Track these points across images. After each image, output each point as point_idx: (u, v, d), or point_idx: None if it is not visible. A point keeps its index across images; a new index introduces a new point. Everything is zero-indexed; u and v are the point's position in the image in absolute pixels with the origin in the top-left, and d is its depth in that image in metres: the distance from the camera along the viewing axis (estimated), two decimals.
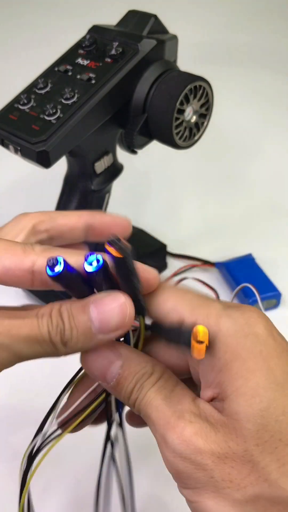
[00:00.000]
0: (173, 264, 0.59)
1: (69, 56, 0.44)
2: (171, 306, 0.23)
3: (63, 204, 0.48)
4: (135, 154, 0.48)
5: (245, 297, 0.52)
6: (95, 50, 0.43)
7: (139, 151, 0.47)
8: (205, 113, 0.45)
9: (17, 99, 0.42)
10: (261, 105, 0.89)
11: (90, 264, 0.21)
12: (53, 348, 0.22)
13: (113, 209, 0.54)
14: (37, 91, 0.42)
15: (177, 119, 0.42)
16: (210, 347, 0.21)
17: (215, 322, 0.22)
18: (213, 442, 0.21)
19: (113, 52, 0.42)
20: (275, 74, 0.97)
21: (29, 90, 0.43)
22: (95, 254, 0.21)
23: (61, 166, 0.45)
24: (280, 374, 0.21)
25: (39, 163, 0.40)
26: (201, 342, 0.21)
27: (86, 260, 0.21)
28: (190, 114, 0.44)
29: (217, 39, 1.09)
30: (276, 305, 0.53)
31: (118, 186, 0.51)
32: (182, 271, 0.57)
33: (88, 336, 0.22)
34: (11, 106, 0.42)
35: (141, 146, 0.46)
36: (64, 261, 0.21)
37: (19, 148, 0.40)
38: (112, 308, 0.22)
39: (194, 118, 0.44)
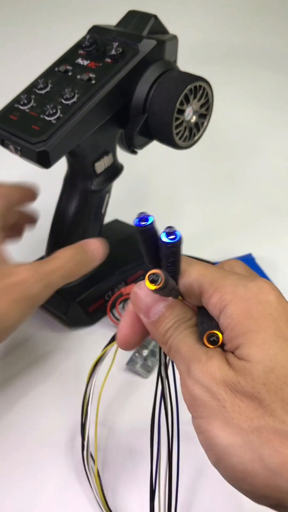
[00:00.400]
0: None
1: (69, 56, 0.44)
2: (194, 278, 0.27)
3: (63, 204, 0.48)
4: (135, 154, 0.48)
5: None
6: (95, 50, 0.43)
7: (139, 151, 0.47)
8: (205, 113, 0.45)
9: (17, 99, 0.42)
10: (261, 105, 0.89)
11: (167, 236, 0.25)
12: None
13: (113, 209, 0.54)
14: (37, 91, 0.42)
15: (177, 119, 0.42)
16: (224, 311, 0.25)
17: (231, 290, 0.25)
18: (227, 376, 0.23)
19: (113, 52, 0.42)
20: (275, 74, 0.98)
21: (29, 90, 0.43)
22: (176, 232, 0.25)
23: (61, 166, 0.45)
24: (287, 331, 0.24)
25: (39, 163, 0.40)
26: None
27: (166, 233, 0.25)
28: (190, 114, 0.44)
29: (217, 39, 1.09)
30: None
31: (118, 186, 0.51)
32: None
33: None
34: (11, 106, 0.42)
35: (141, 146, 0.46)
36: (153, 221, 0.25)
37: (19, 148, 0.40)
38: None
39: (194, 118, 0.44)
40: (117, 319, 0.51)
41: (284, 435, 0.22)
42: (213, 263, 0.57)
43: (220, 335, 0.25)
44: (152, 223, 0.24)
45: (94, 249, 0.42)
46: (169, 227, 0.25)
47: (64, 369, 0.48)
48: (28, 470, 0.40)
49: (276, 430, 0.22)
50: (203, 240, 0.62)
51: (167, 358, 0.30)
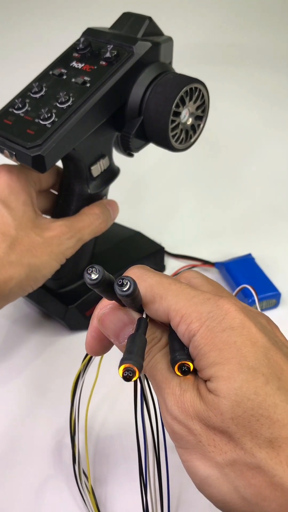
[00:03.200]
0: (173, 265, 0.59)
1: (63, 60, 0.44)
2: (158, 306, 0.26)
3: (59, 208, 0.48)
4: (131, 157, 0.48)
5: (245, 297, 0.51)
6: (90, 53, 0.43)
7: (136, 154, 0.47)
8: (201, 115, 0.45)
9: (11, 104, 0.42)
10: (257, 106, 0.89)
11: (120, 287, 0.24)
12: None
13: None
14: (31, 95, 0.42)
15: (173, 121, 0.42)
16: (192, 342, 0.25)
17: (197, 319, 0.25)
18: (199, 411, 0.24)
19: (107, 55, 0.42)
20: (271, 74, 0.97)
21: (23, 94, 0.43)
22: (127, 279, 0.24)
23: None
24: (252, 360, 0.24)
25: (34, 167, 0.39)
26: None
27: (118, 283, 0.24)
28: (186, 117, 0.43)
29: (211, 40, 1.09)
30: (275, 305, 0.53)
31: (115, 189, 0.51)
32: (181, 271, 0.57)
33: None
34: (5, 111, 0.42)
35: (138, 149, 0.46)
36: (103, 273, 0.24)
37: (14, 153, 0.40)
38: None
39: (190, 120, 0.44)
40: None
41: (254, 468, 0.23)
42: (213, 264, 0.57)
43: (191, 365, 0.25)
44: (102, 276, 0.23)
45: (115, 208, 0.49)
46: (121, 278, 0.24)
47: (64, 370, 0.48)
48: (16, 484, 0.39)
49: (247, 463, 0.23)
50: (203, 241, 0.62)
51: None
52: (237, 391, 0.23)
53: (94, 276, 0.23)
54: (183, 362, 0.25)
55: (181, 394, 0.25)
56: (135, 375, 0.23)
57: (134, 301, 0.25)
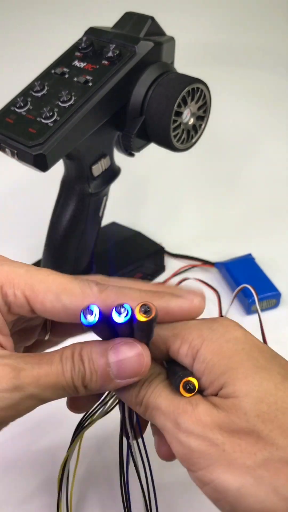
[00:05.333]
0: (173, 265, 0.59)
1: (65, 59, 0.44)
2: (155, 336, 0.25)
3: (60, 207, 0.48)
4: (132, 156, 0.48)
5: (245, 297, 0.52)
6: (92, 53, 0.43)
7: (137, 154, 0.47)
8: (202, 115, 0.45)
9: (13, 102, 0.42)
10: (258, 106, 0.89)
11: (119, 313, 0.23)
12: (74, 390, 0.25)
13: (111, 212, 0.54)
14: (33, 94, 0.42)
15: (174, 121, 0.42)
16: (197, 358, 0.25)
17: (198, 335, 0.25)
18: (218, 418, 0.23)
19: (110, 54, 0.42)
20: (272, 74, 0.97)
21: (25, 93, 0.43)
22: (125, 306, 0.23)
23: (58, 169, 0.45)
24: (264, 362, 0.24)
25: (36, 166, 0.39)
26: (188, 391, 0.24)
27: (116, 310, 0.23)
28: (187, 117, 0.43)
29: (214, 40, 1.09)
30: (275, 305, 0.53)
31: (115, 189, 0.51)
32: (182, 271, 0.57)
33: (107, 380, 0.25)
34: (7, 109, 0.42)
35: (139, 148, 0.46)
36: (100, 313, 0.23)
37: (15, 152, 0.40)
38: (129, 357, 0.24)
39: (191, 121, 0.44)
40: None
41: None
42: (213, 264, 0.57)
43: (195, 382, 0.24)
44: (100, 317, 0.23)
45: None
46: (120, 306, 0.23)
47: None
48: None
49: (281, 459, 0.22)
50: (203, 241, 0.62)
51: (134, 416, 0.28)
52: (258, 387, 0.23)
53: (90, 319, 0.22)
54: (187, 379, 0.24)
55: (193, 409, 0.23)
56: (153, 312, 0.22)
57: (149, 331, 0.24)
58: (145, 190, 0.72)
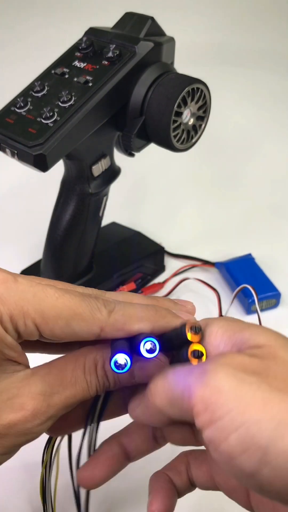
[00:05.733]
0: (173, 264, 0.59)
1: (65, 59, 0.44)
2: (216, 344, 0.24)
3: (60, 207, 0.48)
4: (132, 156, 0.48)
5: (245, 297, 0.52)
6: (92, 53, 0.43)
7: (137, 154, 0.47)
8: (202, 115, 0.45)
9: (13, 102, 0.42)
10: (258, 106, 0.89)
11: (146, 349, 0.24)
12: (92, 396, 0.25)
13: (111, 212, 0.54)
14: (33, 94, 0.42)
15: (174, 121, 0.42)
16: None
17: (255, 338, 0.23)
18: (250, 363, 0.21)
19: (110, 54, 0.42)
20: (272, 74, 0.97)
21: (25, 93, 0.43)
22: (151, 340, 0.24)
23: (58, 169, 0.45)
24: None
25: (36, 166, 0.39)
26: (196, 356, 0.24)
27: (141, 344, 0.24)
28: (187, 117, 0.43)
29: (213, 40, 1.09)
30: (275, 305, 0.53)
31: (116, 189, 0.51)
32: (182, 271, 0.57)
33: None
34: (7, 109, 0.42)
35: (139, 149, 0.46)
36: (131, 360, 0.23)
37: (16, 152, 0.40)
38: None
39: (191, 121, 0.44)
40: None
41: None
42: (213, 264, 0.57)
43: (203, 349, 0.24)
44: (130, 364, 0.23)
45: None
46: (149, 340, 0.24)
47: None
48: None
49: None
50: (203, 241, 0.62)
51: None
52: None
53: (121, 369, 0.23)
54: (193, 347, 0.24)
55: (221, 356, 0.22)
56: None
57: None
58: (145, 190, 0.72)
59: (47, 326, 0.23)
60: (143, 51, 0.42)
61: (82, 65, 0.43)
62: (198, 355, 0.24)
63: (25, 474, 0.39)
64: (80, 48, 0.43)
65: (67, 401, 0.24)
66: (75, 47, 0.44)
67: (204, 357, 0.24)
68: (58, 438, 0.29)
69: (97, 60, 0.42)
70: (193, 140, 0.46)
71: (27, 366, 0.25)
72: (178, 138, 0.44)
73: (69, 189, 0.47)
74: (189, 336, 0.24)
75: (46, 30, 1.12)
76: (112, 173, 0.48)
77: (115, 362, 0.23)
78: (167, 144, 0.44)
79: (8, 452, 0.24)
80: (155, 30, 0.44)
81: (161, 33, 0.45)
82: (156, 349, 0.24)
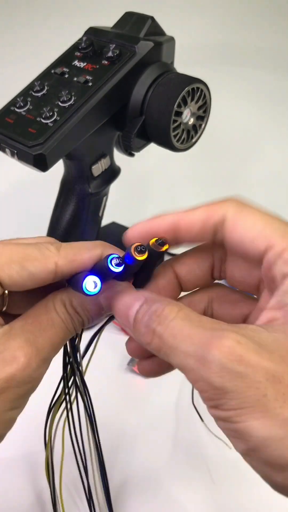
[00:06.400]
0: None
1: (65, 59, 0.44)
2: (257, 232, 0.23)
3: (60, 207, 0.48)
4: (132, 156, 0.48)
5: None
6: (92, 52, 0.43)
7: (137, 154, 0.47)
8: (202, 115, 0.45)
9: (13, 102, 0.42)
10: (258, 105, 0.89)
11: (114, 265, 0.23)
12: (74, 334, 0.26)
13: (111, 212, 0.54)
14: (33, 93, 0.42)
15: (174, 121, 0.42)
16: None
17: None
18: (268, 360, 0.19)
19: (110, 54, 0.42)
20: (272, 74, 0.97)
21: (25, 93, 0.43)
22: (116, 256, 0.23)
23: (58, 169, 0.45)
24: None
25: (36, 166, 0.39)
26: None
27: (110, 262, 0.23)
28: (187, 117, 0.43)
29: (213, 40, 1.09)
30: None
31: (115, 189, 0.51)
32: None
33: (102, 317, 0.26)
34: (7, 109, 0.42)
35: (139, 148, 0.46)
36: (101, 282, 0.23)
37: (15, 152, 0.40)
38: (124, 303, 0.24)
39: (191, 120, 0.44)
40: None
41: None
42: None
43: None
44: (101, 285, 0.23)
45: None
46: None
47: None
48: None
49: None
50: None
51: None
52: None
53: (91, 288, 0.23)
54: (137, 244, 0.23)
55: (232, 343, 0.20)
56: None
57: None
58: (145, 190, 0.71)
59: (5, 273, 0.24)
60: (143, 50, 0.42)
61: (82, 64, 0.43)
62: (141, 249, 0.23)
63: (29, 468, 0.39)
64: (80, 47, 0.43)
65: (53, 342, 0.25)
66: (75, 47, 0.44)
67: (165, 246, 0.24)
68: (57, 416, 0.30)
69: (97, 60, 0.42)
70: (193, 140, 0.46)
71: (2, 324, 0.26)
72: (178, 138, 0.43)
73: (69, 189, 0.47)
74: (136, 256, 0.23)
75: (46, 29, 1.12)
76: (112, 173, 0.48)
77: (86, 285, 0.23)
78: (167, 144, 0.43)
79: (17, 405, 0.25)
80: (155, 30, 0.44)
81: (161, 32, 0.45)
82: (121, 264, 0.23)
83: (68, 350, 0.28)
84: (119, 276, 0.24)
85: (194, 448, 0.42)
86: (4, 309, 0.28)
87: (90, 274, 0.23)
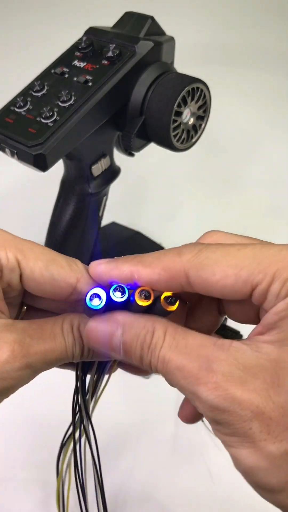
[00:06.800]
0: None
1: (65, 58, 0.44)
2: (233, 278, 0.22)
3: (60, 207, 0.48)
4: (132, 156, 0.48)
5: None
6: (92, 52, 0.43)
7: (137, 154, 0.47)
8: (202, 115, 0.45)
9: (13, 102, 0.42)
10: (258, 106, 0.89)
11: (118, 293, 0.23)
12: (71, 360, 0.25)
13: (111, 212, 0.54)
14: (33, 93, 0.42)
15: (174, 121, 0.42)
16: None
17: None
18: (252, 391, 0.20)
19: (110, 54, 0.41)
20: (272, 74, 0.97)
21: (25, 93, 0.42)
22: (123, 287, 0.23)
23: (58, 169, 0.45)
24: None
25: (36, 166, 0.39)
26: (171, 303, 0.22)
27: (114, 290, 0.23)
28: (187, 116, 0.43)
29: (213, 40, 1.09)
30: None
31: (115, 189, 0.51)
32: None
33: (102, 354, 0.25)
34: (7, 109, 0.42)
35: (139, 148, 0.46)
36: (107, 296, 0.23)
37: (15, 152, 0.40)
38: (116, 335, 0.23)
39: (191, 120, 0.44)
40: None
41: None
42: None
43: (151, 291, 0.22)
44: (107, 301, 0.23)
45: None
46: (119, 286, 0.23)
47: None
48: None
49: None
50: None
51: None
52: None
53: (96, 303, 0.23)
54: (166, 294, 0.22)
55: (217, 379, 0.20)
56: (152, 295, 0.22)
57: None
58: (145, 190, 0.71)
59: (28, 264, 0.24)
60: (143, 50, 0.42)
61: (82, 64, 0.43)
62: (171, 301, 0.22)
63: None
64: (80, 47, 0.43)
65: (47, 355, 0.24)
66: (75, 47, 0.44)
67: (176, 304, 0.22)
68: (69, 451, 0.30)
69: (97, 60, 0.42)
70: (193, 140, 0.46)
71: (8, 317, 0.25)
72: (178, 138, 0.43)
73: (68, 189, 0.47)
74: (166, 307, 0.22)
75: (46, 29, 1.12)
76: (112, 173, 0.48)
77: (91, 296, 0.23)
78: (167, 143, 0.43)
79: None
80: (155, 30, 0.44)
81: (161, 32, 0.45)
82: (125, 295, 0.22)
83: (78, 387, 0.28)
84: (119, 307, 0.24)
85: (194, 448, 0.42)
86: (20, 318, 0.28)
87: (96, 287, 0.23)
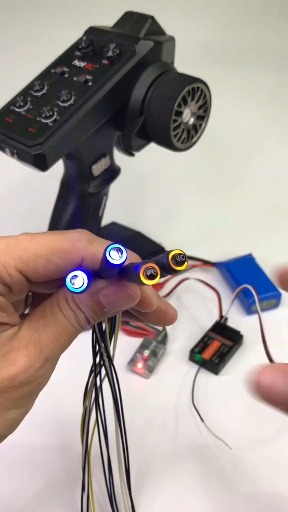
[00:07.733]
0: None
1: (65, 58, 0.44)
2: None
3: (60, 207, 0.48)
4: (132, 156, 0.47)
5: (245, 297, 0.51)
6: (92, 52, 0.43)
7: (137, 153, 0.47)
8: (203, 115, 0.45)
9: (13, 102, 0.42)
10: (259, 105, 0.89)
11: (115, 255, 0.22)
12: (81, 331, 0.25)
13: (111, 212, 0.54)
14: (33, 93, 0.42)
15: (175, 121, 0.42)
16: None
17: None
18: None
19: (110, 53, 0.41)
20: (272, 74, 0.97)
21: (25, 93, 0.43)
22: (118, 248, 0.21)
23: (58, 169, 0.45)
24: None
25: (35, 166, 0.39)
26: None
27: (109, 254, 0.21)
28: (188, 116, 0.43)
29: (213, 40, 1.09)
30: (276, 305, 0.53)
31: (115, 189, 0.51)
32: (182, 271, 0.57)
33: (105, 314, 0.25)
34: (7, 109, 0.42)
35: (139, 148, 0.46)
36: (88, 278, 0.22)
37: (15, 151, 0.40)
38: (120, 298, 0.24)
39: (192, 120, 0.44)
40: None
41: None
42: (214, 264, 0.57)
43: (157, 269, 0.21)
44: (88, 282, 0.22)
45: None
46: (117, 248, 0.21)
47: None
48: None
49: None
50: (203, 241, 0.62)
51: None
52: None
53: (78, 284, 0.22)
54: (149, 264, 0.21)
55: None
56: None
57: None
58: (145, 190, 0.71)
59: (30, 268, 0.24)
60: (143, 50, 0.42)
61: (82, 64, 0.43)
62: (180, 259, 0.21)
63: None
64: (80, 47, 0.43)
65: (57, 339, 0.25)
66: (75, 46, 0.44)
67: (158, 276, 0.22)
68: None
69: (97, 60, 0.42)
70: (193, 140, 0.46)
71: (18, 321, 0.26)
72: (178, 138, 0.43)
73: (68, 188, 0.47)
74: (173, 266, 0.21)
75: (46, 29, 1.12)
76: (112, 172, 0.48)
77: (71, 279, 0.22)
78: (167, 143, 0.43)
79: (20, 405, 0.25)
80: (155, 29, 0.44)
81: (161, 32, 0.45)
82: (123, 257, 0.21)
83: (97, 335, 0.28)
84: (114, 270, 0.23)
85: (194, 448, 0.42)
86: (27, 311, 0.28)
87: (77, 270, 0.22)
